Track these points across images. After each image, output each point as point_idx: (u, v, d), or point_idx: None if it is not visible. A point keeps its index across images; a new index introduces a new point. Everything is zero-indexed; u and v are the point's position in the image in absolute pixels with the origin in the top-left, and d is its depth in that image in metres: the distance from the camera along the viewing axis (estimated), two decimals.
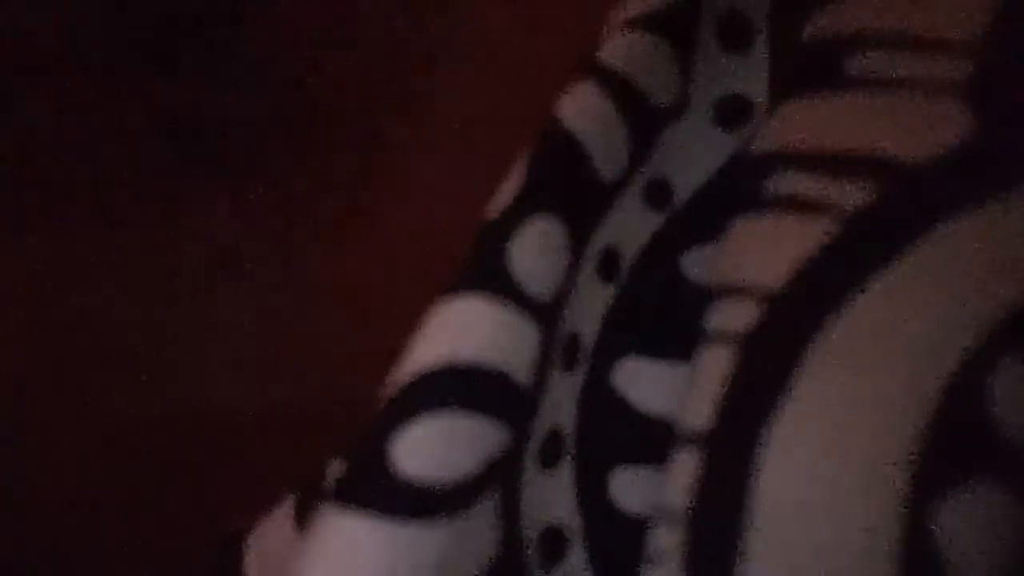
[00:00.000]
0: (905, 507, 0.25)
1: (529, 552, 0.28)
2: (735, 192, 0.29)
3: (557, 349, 0.29)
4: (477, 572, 0.27)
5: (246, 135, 0.38)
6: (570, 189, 0.29)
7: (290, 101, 0.39)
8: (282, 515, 0.32)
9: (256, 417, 0.37)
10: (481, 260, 0.28)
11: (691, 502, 0.26)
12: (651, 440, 0.28)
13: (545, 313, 0.28)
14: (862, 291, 0.26)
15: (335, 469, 0.29)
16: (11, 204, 0.38)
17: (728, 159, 0.31)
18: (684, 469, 0.27)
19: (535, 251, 0.28)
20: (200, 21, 0.39)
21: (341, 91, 0.39)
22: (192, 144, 0.38)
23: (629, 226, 0.30)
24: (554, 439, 0.29)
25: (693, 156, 0.31)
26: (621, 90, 0.30)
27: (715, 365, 0.27)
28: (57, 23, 0.39)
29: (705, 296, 0.28)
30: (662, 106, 0.30)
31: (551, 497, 0.28)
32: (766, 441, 0.26)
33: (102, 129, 0.38)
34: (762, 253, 0.28)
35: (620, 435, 0.29)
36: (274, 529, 0.32)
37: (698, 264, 0.30)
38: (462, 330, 0.27)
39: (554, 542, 0.28)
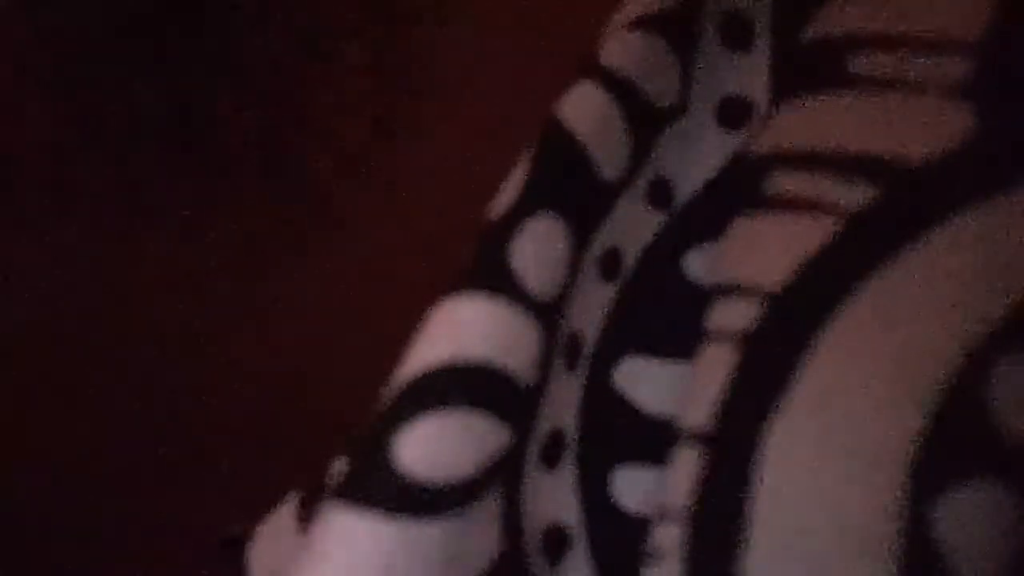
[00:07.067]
0: (905, 505, 0.25)
1: (531, 550, 0.28)
2: (736, 192, 0.29)
3: (559, 348, 0.29)
4: (480, 569, 0.27)
5: (233, 137, 0.38)
6: (571, 189, 0.29)
7: (281, 101, 0.39)
8: (285, 514, 0.32)
9: (260, 417, 0.37)
10: (483, 260, 0.28)
11: (692, 500, 0.26)
12: (652, 439, 0.29)
13: (547, 312, 0.28)
14: (862, 290, 0.26)
15: (339, 468, 0.29)
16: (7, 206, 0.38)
17: (729, 159, 0.31)
18: (685, 467, 0.27)
19: (537, 251, 0.28)
20: (188, 23, 0.39)
21: (337, 89, 0.39)
22: (180, 145, 0.38)
23: (630, 226, 0.30)
24: (556, 438, 0.29)
25: (694, 156, 0.31)
26: (622, 91, 0.30)
27: (716, 364, 0.27)
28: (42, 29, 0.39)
29: (706, 295, 0.28)
30: (663, 106, 0.31)
31: (553, 496, 0.29)
32: (766, 440, 0.26)
33: (92, 132, 0.38)
34: (763, 252, 0.28)
35: (621, 434, 0.29)
36: (278, 527, 0.32)
37: (699, 263, 0.30)
38: (464, 329, 0.27)
39: (556, 540, 0.28)
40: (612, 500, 0.29)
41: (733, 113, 0.31)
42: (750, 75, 0.31)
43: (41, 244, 0.38)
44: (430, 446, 0.26)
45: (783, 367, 0.26)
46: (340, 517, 0.26)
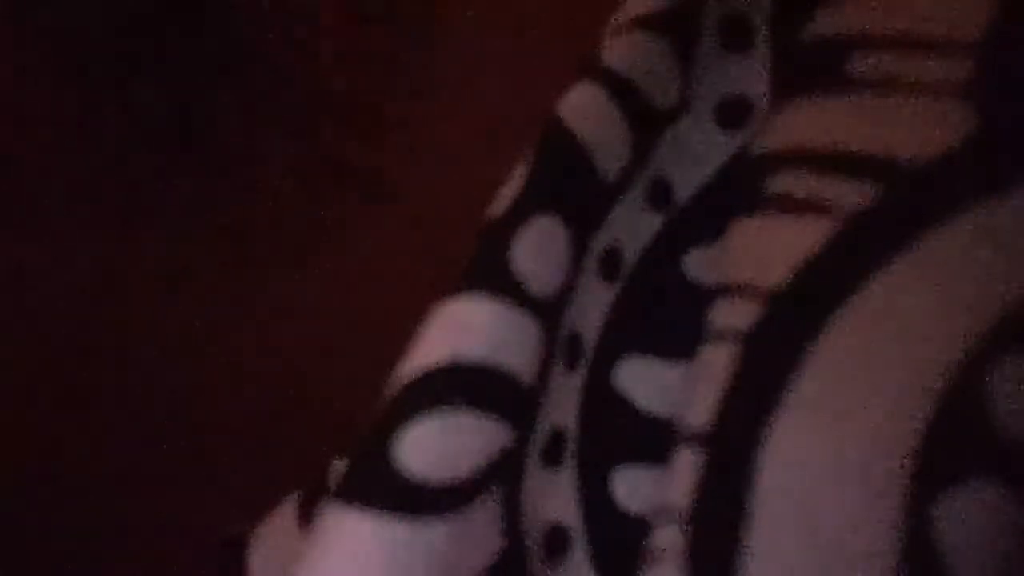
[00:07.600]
0: (905, 506, 0.25)
1: (531, 550, 0.28)
2: (736, 192, 0.29)
3: (559, 348, 0.29)
4: (479, 570, 0.27)
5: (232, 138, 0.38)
6: (572, 189, 0.29)
7: (277, 98, 0.39)
8: (286, 514, 0.32)
9: (260, 417, 0.37)
10: (484, 260, 0.28)
11: (692, 501, 0.26)
12: (652, 439, 0.29)
13: (547, 312, 0.28)
14: (862, 290, 0.26)
15: (339, 468, 0.29)
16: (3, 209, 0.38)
17: (729, 159, 0.31)
18: (685, 468, 0.27)
19: (537, 251, 0.28)
20: (188, 23, 0.39)
21: (336, 87, 0.39)
22: (180, 145, 0.38)
23: (631, 226, 0.30)
24: (556, 438, 0.29)
25: (694, 156, 0.31)
26: (622, 90, 0.30)
27: (716, 364, 0.27)
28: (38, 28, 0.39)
29: (706, 296, 0.28)
30: (663, 106, 0.31)
31: (553, 496, 0.29)
32: (767, 440, 0.26)
33: (92, 132, 0.38)
34: (763, 253, 0.28)
35: (622, 434, 0.29)
36: (278, 528, 0.32)
37: (699, 264, 0.30)
38: (465, 329, 0.27)
39: (556, 541, 0.28)
40: (612, 500, 0.29)
41: (733, 113, 0.31)
42: (750, 75, 0.31)
43: (41, 244, 0.38)
44: (430, 446, 0.26)
45: (783, 367, 0.26)
46: (340, 517, 0.26)
